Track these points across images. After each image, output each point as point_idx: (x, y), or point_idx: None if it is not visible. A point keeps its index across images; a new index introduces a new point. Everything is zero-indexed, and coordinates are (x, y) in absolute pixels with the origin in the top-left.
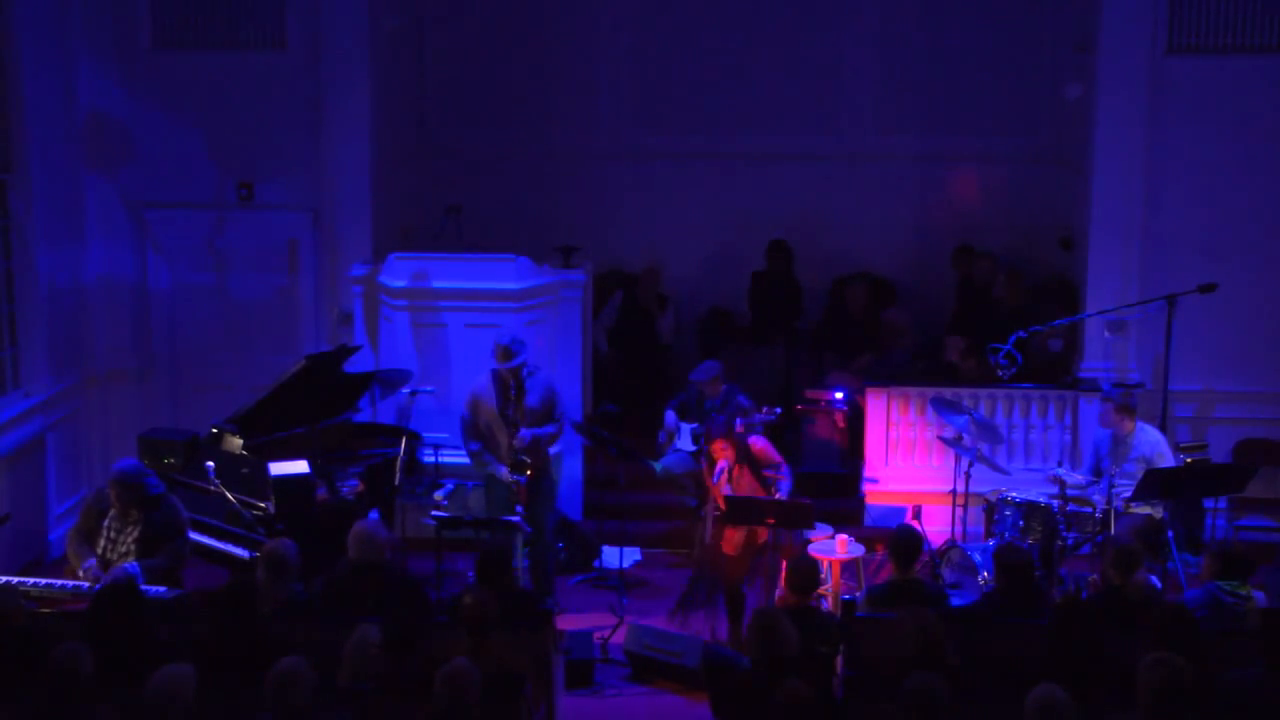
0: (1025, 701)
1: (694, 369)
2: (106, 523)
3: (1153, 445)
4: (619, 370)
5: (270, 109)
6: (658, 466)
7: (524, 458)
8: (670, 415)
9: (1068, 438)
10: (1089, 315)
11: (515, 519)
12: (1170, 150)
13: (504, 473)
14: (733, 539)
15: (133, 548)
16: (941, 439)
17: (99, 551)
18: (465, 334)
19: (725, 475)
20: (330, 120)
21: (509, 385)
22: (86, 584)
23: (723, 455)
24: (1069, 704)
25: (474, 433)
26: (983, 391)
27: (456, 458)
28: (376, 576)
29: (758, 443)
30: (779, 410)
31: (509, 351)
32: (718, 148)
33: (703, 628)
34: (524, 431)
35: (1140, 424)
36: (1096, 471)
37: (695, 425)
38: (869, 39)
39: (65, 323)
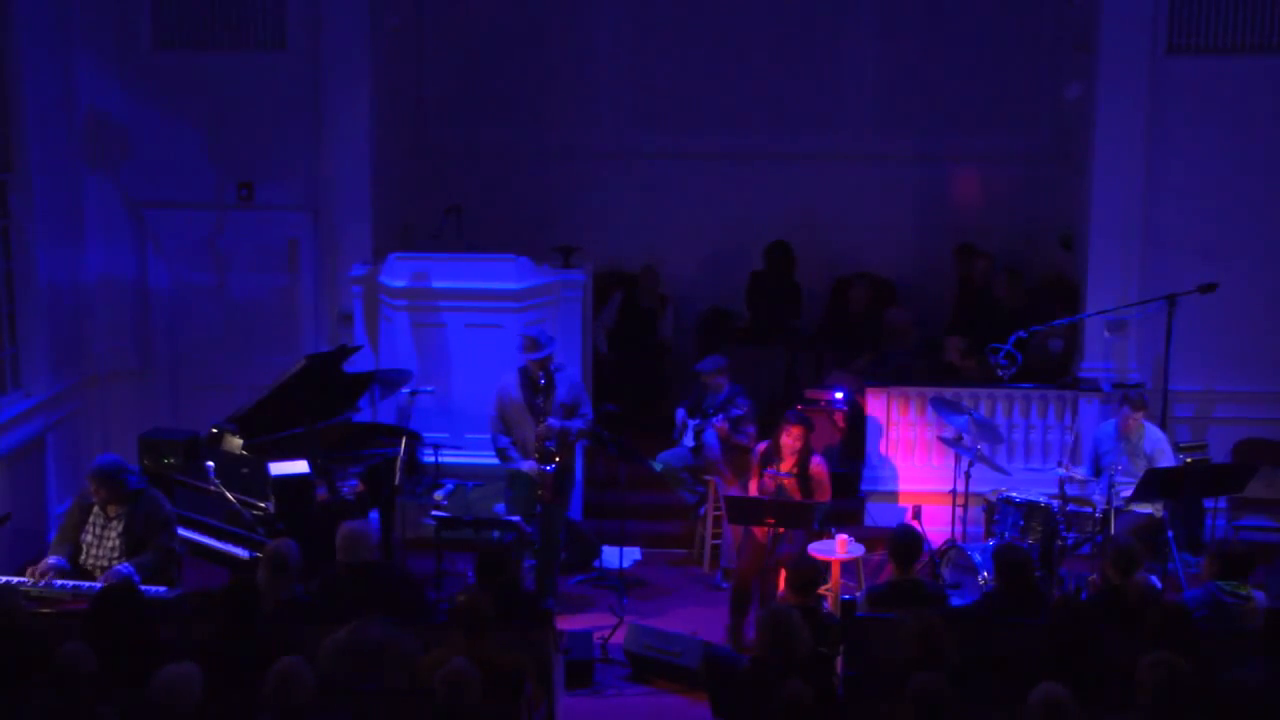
0: (1027, 701)
1: (700, 360)
2: (90, 522)
3: (1154, 443)
4: (619, 370)
5: (270, 109)
6: (657, 462)
7: (551, 445)
8: (680, 412)
9: (1068, 438)
10: (1089, 315)
11: (517, 519)
12: (1170, 150)
13: (530, 466)
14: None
15: (118, 544)
16: (941, 439)
17: (84, 551)
18: (465, 334)
19: (775, 462)
20: (330, 120)
21: (536, 378)
22: (86, 584)
23: (790, 439)
24: (1071, 703)
25: (501, 429)
26: (983, 391)
27: (456, 458)
28: (369, 576)
29: (820, 463)
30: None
31: (537, 342)
32: (718, 148)
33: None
34: (552, 420)
35: (1144, 422)
36: (1097, 469)
37: (697, 421)
38: (869, 39)
39: (65, 323)
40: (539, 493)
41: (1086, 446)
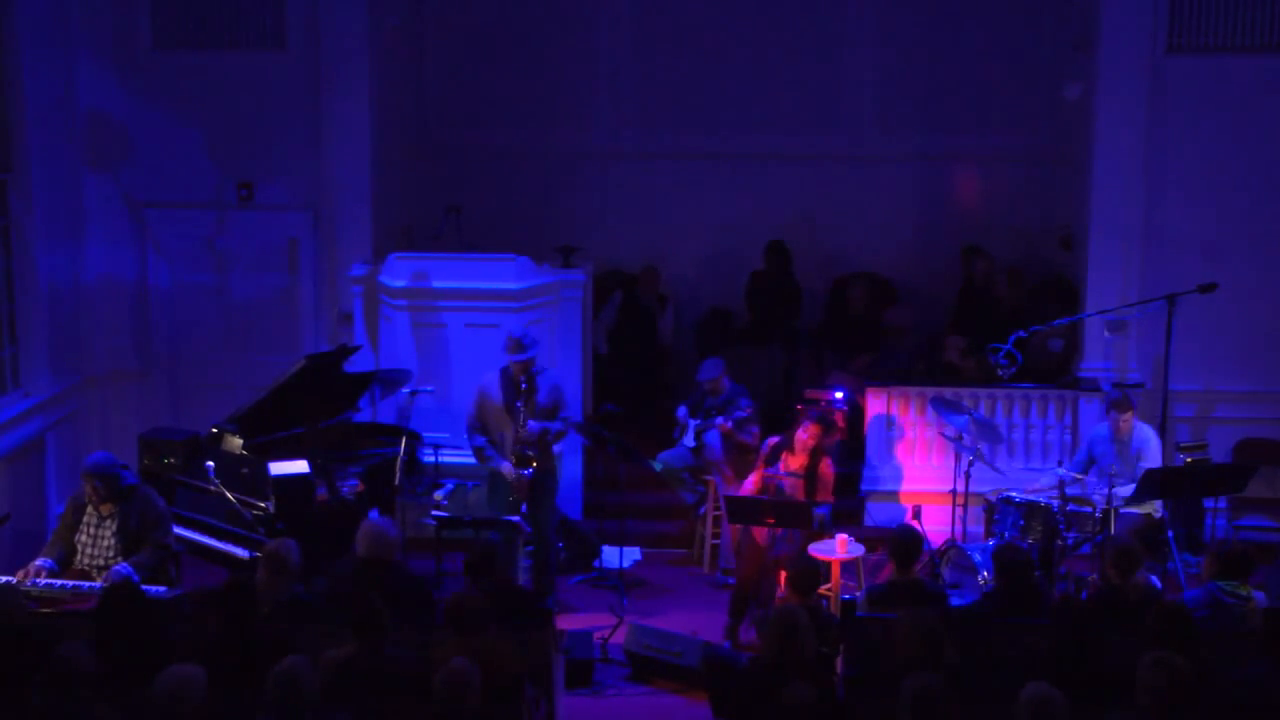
0: (1018, 700)
1: (699, 368)
2: (84, 522)
3: (1139, 442)
4: (619, 370)
5: (270, 109)
6: (657, 462)
7: (529, 451)
8: (682, 410)
9: (1068, 438)
10: (1089, 315)
11: (515, 519)
12: (1170, 150)
13: (507, 468)
14: (760, 532)
15: (113, 543)
16: (944, 436)
17: (79, 552)
18: (465, 334)
19: (781, 459)
20: (330, 120)
21: (518, 380)
22: (86, 584)
23: (807, 435)
24: (1062, 702)
25: (478, 428)
26: (983, 391)
27: (456, 458)
28: (383, 574)
29: (829, 466)
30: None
31: (520, 344)
32: (717, 148)
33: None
34: (531, 424)
35: (1134, 420)
36: (1086, 467)
37: (698, 421)
38: (869, 39)
39: (65, 323)
40: (511, 497)
41: (1080, 449)
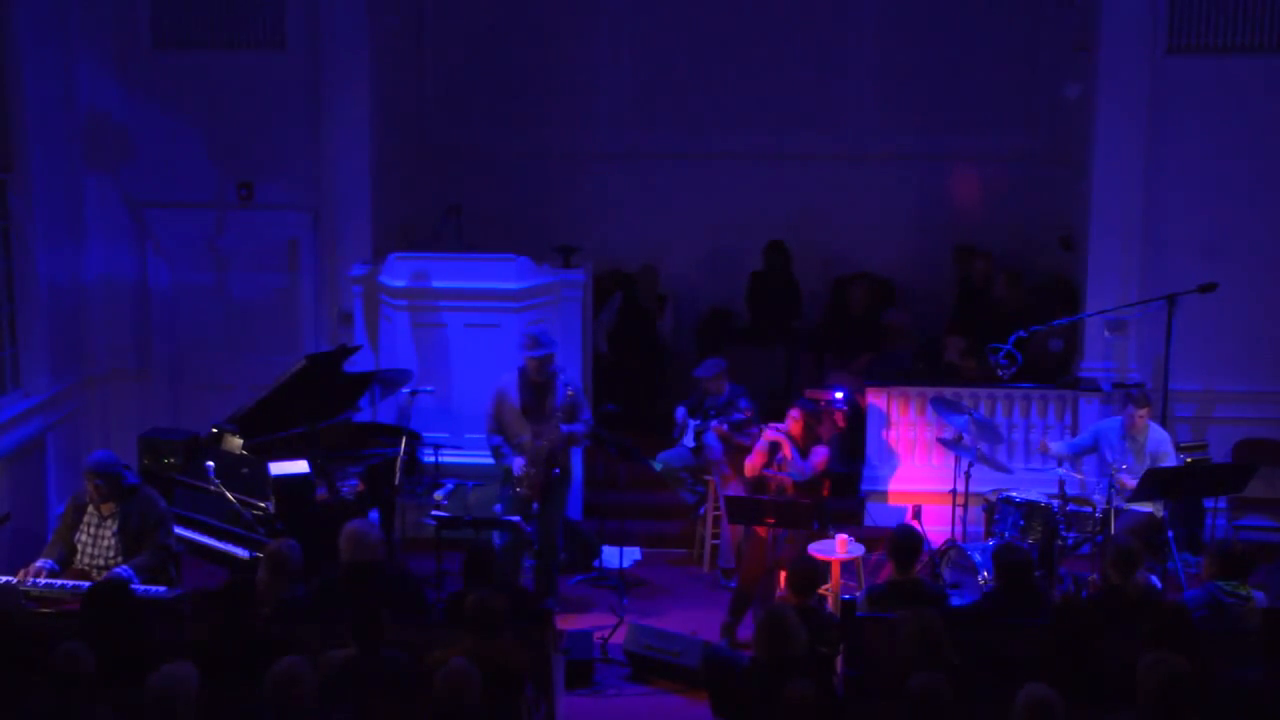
0: (1014, 702)
1: (698, 366)
2: (85, 522)
3: (1157, 442)
4: (619, 370)
5: (270, 109)
6: (657, 462)
7: (556, 449)
8: (681, 411)
9: (1068, 437)
10: (1089, 315)
11: (516, 519)
12: (1170, 150)
13: (520, 465)
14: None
15: (113, 543)
16: (941, 441)
17: (79, 552)
18: (465, 334)
19: (770, 450)
20: (330, 120)
21: (536, 380)
22: (86, 584)
23: (792, 423)
24: (1058, 703)
25: (495, 427)
26: (983, 391)
27: (456, 458)
28: (372, 576)
29: (821, 452)
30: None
31: (538, 340)
32: (717, 148)
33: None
34: (563, 427)
35: (1148, 421)
36: (1083, 452)
37: (698, 422)
38: (869, 38)
39: (65, 323)
40: (516, 490)
41: (1084, 435)
